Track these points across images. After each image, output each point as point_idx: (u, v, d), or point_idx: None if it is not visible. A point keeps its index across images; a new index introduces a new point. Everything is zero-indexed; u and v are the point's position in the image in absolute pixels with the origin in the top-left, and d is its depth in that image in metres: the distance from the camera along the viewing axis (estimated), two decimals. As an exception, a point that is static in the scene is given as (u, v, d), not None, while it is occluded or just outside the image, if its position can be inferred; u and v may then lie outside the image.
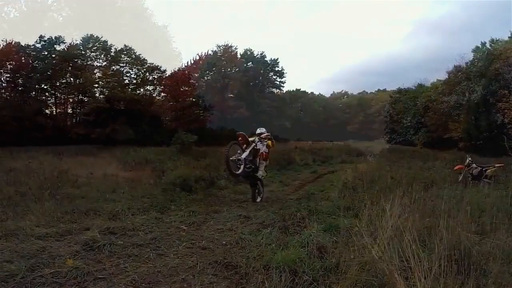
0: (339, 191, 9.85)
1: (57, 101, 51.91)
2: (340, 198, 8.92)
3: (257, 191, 10.07)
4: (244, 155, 9.30)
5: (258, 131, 10.34)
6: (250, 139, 9.88)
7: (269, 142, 10.19)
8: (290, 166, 19.10)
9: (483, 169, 11.87)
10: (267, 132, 10.54)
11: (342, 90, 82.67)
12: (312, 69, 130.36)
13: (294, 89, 70.23)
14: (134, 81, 53.39)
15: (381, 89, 78.18)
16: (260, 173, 9.91)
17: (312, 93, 75.70)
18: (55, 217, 6.50)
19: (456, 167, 13.05)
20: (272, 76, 59.24)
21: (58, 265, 4.34)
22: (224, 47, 54.25)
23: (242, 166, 9.25)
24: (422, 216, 4.96)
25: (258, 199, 9.97)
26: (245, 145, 9.68)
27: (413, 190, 6.44)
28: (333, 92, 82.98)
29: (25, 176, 10.22)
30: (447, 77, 51.80)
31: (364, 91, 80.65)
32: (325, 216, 6.98)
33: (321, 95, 78.64)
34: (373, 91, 78.88)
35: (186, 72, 52.85)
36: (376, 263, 3.72)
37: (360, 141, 43.63)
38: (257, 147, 9.86)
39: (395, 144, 42.98)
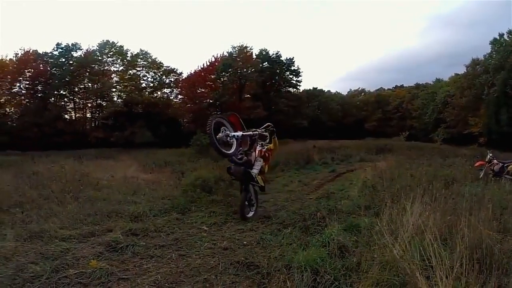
0: (359, 190, 9.73)
1: (76, 106, 53.25)
2: (360, 197, 8.81)
3: (247, 201, 7.80)
4: (236, 134, 7.51)
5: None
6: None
7: (271, 145, 8.37)
8: (308, 165, 18.96)
9: (505, 165, 11.65)
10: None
11: (359, 88, 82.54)
12: (328, 67, 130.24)
13: (311, 88, 70.09)
14: (151, 85, 54.25)
15: (399, 85, 77.83)
16: (255, 171, 7.76)
17: (329, 91, 75.58)
18: (78, 219, 6.60)
19: (477, 163, 12.85)
20: (288, 75, 59.26)
21: (82, 266, 4.43)
22: (239, 48, 54.40)
23: (234, 145, 7.46)
24: (443, 215, 4.91)
25: (250, 214, 7.76)
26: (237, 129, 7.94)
27: (433, 188, 6.38)
28: (350, 89, 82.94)
29: (47, 180, 10.38)
30: (465, 70, 51.18)
31: (381, 87, 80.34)
32: (345, 215, 6.95)
33: (338, 93, 78.45)
34: (391, 88, 78.48)
35: (202, 74, 53.20)
36: (397, 262, 3.71)
37: (379, 139, 42.85)
38: (255, 138, 8.10)
39: (415, 141, 41.96)
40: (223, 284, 4.09)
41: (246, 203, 7.76)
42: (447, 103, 52.69)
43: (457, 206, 5.52)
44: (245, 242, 5.71)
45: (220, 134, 7.17)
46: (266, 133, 8.31)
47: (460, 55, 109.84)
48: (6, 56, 49.91)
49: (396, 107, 68.43)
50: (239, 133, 7.63)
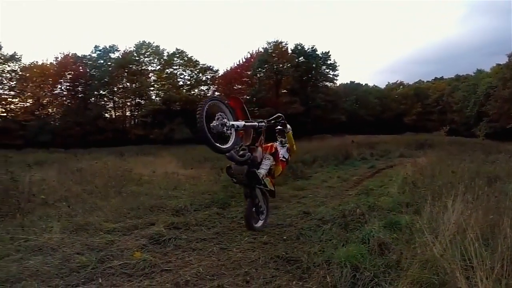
0: (399, 186, 9.55)
1: (116, 105, 55.38)
2: (400, 193, 8.69)
3: (254, 208, 6.40)
4: (236, 123, 5.59)
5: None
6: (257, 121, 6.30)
7: (295, 146, 7.19)
8: (347, 161, 18.80)
9: None
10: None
11: (398, 80, 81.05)
12: (365, 60, 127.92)
13: (348, 82, 69.33)
14: (188, 82, 55.35)
15: (438, 77, 75.91)
16: (262, 171, 6.19)
17: (366, 84, 74.59)
18: (121, 213, 6.79)
19: (521, 160, 12.41)
20: (324, 69, 58.77)
21: (126, 257, 4.59)
22: (274, 43, 54.56)
23: (233, 137, 5.57)
24: (485, 213, 4.73)
25: (259, 224, 6.44)
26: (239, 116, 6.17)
27: (475, 185, 6.20)
28: (388, 82, 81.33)
29: (90, 176, 10.71)
30: (507, 60, 49.09)
31: (420, 80, 78.72)
32: (385, 212, 6.87)
33: (376, 86, 77.28)
34: (430, 80, 76.61)
35: (238, 70, 53.67)
36: (437, 261, 3.66)
37: (418, 134, 41.65)
38: (261, 130, 6.32)
39: (456, 136, 40.58)
40: (264, 278, 4.12)
41: (254, 209, 6.39)
42: (489, 96, 50.70)
43: (500, 204, 5.34)
44: (284, 237, 5.73)
45: (214, 122, 5.24)
46: (286, 128, 6.95)
47: (501, 44, 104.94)
48: (47, 60, 53.14)
49: (436, 100, 66.61)
50: (241, 123, 5.77)
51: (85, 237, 5.36)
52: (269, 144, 6.60)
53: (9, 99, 51.05)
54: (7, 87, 50.55)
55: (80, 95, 53.05)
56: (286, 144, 7.14)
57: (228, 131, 5.41)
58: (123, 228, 5.92)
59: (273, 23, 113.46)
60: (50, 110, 53.43)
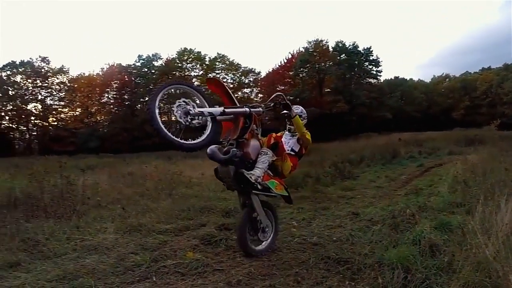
0: (449, 185, 9.24)
1: (161, 111, 56.78)
2: (450, 193, 8.36)
3: (251, 224, 4.95)
4: (207, 110, 4.20)
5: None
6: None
7: (307, 134, 5.45)
8: (395, 159, 18.43)
9: None
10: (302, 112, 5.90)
11: (443, 73, 78.60)
12: (408, 54, 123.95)
13: (392, 77, 67.80)
14: (231, 86, 56.39)
15: (485, 67, 72.56)
16: (257, 172, 4.62)
17: (411, 79, 72.38)
18: (173, 214, 6.95)
19: None
20: (367, 66, 57.99)
21: (179, 257, 4.69)
22: (315, 42, 54.33)
23: (208, 130, 4.31)
24: None
25: (262, 246, 5.04)
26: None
27: (530, 183, 6.01)
28: (434, 76, 78.84)
29: (140, 179, 11.14)
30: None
31: (467, 71, 75.53)
32: (436, 212, 6.66)
33: (421, 80, 75.03)
34: (477, 71, 73.26)
35: (280, 71, 53.85)
36: (490, 264, 3.59)
37: (468, 129, 39.99)
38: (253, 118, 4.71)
39: (507, 130, 38.66)
40: (314, 278, 4.12)
41: (249, 227, 4.96)
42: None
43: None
44: (334, 238, 5.68)
45: (175, 111, 3.99)
46: (291, 111, 5.24)
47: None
48: (93, 71, 57.41)
49: (485, 92, 63.74)
50: (216, 109, 4.33)
51: (139, 238, 5.56)
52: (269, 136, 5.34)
53: (59, 109, 55.40)
54: (57, 98, 54.99)
55: (126, 103, 55.66)
56: (296, 135, 5.63)
57: (195, 121, 4.06)
58: (175, 229, 6.07)
59: (312, 21, 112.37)
60: (98, 117, 56.84)
